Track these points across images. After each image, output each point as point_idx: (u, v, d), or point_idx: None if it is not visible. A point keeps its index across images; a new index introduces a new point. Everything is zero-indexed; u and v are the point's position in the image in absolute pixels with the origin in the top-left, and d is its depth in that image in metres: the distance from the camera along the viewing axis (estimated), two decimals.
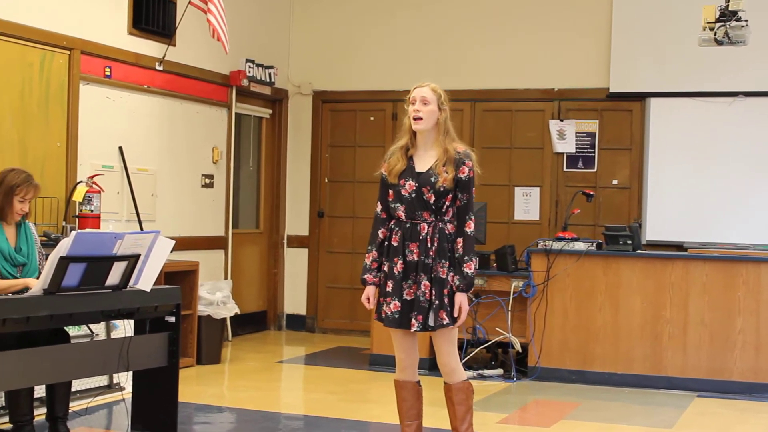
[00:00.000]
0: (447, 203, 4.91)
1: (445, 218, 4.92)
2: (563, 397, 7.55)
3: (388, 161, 5.05)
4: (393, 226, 4.99)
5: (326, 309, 10.73)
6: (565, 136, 9.82)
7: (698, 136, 9.38)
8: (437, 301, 4.88)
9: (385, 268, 4.99)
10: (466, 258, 4.87)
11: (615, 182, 9.74)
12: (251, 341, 9.94)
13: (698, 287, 7.88)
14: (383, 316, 5.00)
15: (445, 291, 4.89)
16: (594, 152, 9.78)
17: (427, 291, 4.88)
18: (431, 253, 4.88)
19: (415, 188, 4.91)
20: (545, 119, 9.95)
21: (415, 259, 4.90)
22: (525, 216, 9.98)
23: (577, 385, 7.97)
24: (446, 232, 4.91)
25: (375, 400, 7.45)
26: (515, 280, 8.16)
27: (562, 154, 9.87)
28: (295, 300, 10.80)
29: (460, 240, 4.89)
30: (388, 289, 4.96)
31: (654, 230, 9.47)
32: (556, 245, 8.13)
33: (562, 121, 9.85)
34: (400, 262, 4.94)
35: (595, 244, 8.19)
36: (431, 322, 4.88)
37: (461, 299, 4.90)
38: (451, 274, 4.89)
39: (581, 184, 9.65)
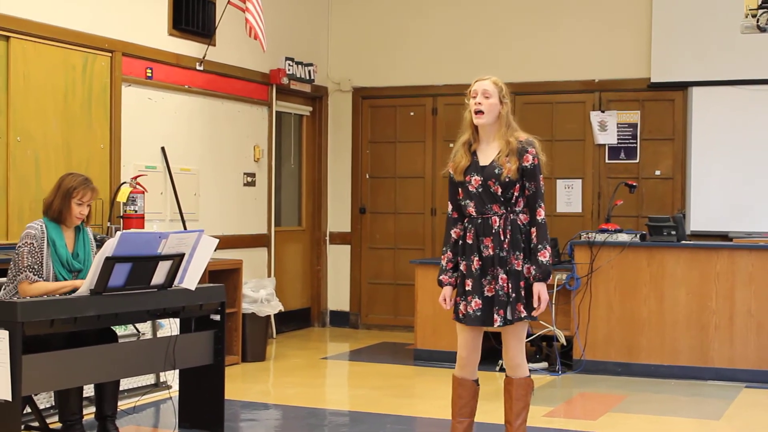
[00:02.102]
0: (516, 194, 4.87)
1: (516, 209, 4.88)
2: (609, 389, 7.51)
3: (452, 159, 5.02)
4: (466, 224, 4.95)
5: (370, 305, 10.75)
6: (607, 127, 9.75)
7: (742, 124, 9.27)
8: (514, 294, 4.84)
9: (462, 268, 4.95)
10: (540, 246, 4.83)
11: (658, 173, 9.66)
12: (295, 338, 9.98)
13: (744, 277, 7.79)
14: (462, 315, 4.95)
15: (521, 283, 4.85)
16: (636, 143, 9.71)
17: (505, 285, 4.84)
18: (505, 246, 4.84)
19: (481, 182, 4.88)
20: (586, 111, 9.89)
21: (491, 253, 4.87)
22: (567, 208, 9.93)
23: (623, 377, 7.92)
24: (518, 223, 4.87)
25: (420, 395, 7.46)
26: (559, 273, 8.12)
27: (604, 145, 9.81)
28: (338, 296, 10.83)
29: (533, 230, 4.86)
30: (468, 287, 4.91)
31: (698, 220, 9.38)
32: (600, 237, 8.09)
33: (603, 112, 9.79)
34: (477, 258, 4.89)
35: (638, 236, 8.13)
36: (509, 316, 4.85)
37: (539, 288, 4.84)
38: (527, 265, 4.86)
39: (623, 175, 9.59)
